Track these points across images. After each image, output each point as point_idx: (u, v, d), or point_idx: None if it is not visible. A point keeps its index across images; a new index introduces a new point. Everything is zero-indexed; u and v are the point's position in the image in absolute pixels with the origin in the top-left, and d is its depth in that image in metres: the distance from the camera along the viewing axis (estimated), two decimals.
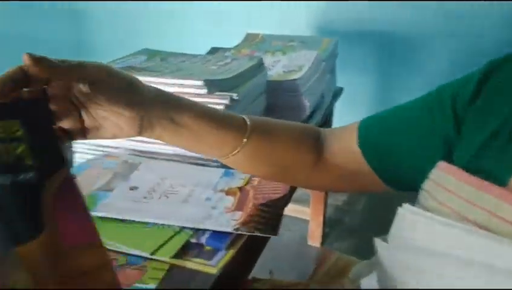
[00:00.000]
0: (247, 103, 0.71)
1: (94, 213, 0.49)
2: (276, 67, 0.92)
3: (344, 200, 1.75)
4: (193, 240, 0.46)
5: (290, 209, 1.56)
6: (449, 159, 0.40)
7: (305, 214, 1.52)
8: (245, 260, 0.54)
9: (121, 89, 0.39)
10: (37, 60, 0.35)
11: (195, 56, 0.83)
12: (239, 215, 0.49)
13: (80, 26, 2.13)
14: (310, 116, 0.89)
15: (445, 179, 0.37)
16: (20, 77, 0.35)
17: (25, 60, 0.35)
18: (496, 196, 0.32)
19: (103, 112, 0.39)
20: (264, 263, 1.44)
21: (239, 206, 0.51)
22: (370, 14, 1.58)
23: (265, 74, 0.79)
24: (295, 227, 1.57)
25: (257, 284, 0.69)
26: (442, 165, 0.38)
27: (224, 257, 0.44)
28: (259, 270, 0.85)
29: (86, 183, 0.56)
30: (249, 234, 0.46)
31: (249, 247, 0.48)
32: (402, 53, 1.59)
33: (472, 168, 0.36)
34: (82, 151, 0.70)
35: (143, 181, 0.57)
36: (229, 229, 0.46)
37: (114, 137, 0.42)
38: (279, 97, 0.81)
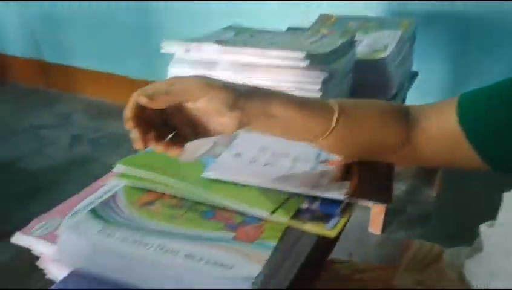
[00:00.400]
0: (338, 80, 0.71)
1: (206, 175, 0.51)
2: (360, 46, 0.91)
3: (405, 190, 1.71)
4: (304, 206, 0.47)
5: None
6: None
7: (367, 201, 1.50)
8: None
9: (221, 99, 0.43)
10: (152, 99, 0.42)
11: (283, 33, 0.83)
12: (347, 185, 0.49)
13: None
14: (393, 98, 0.87)
15: None
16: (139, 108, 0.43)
17: (141, 102, 0.43)
18: None
19: (208, 121, 0.45)
20: None
21: (345, 176, 0.51)
22: None
23: (354, 52, 0.78)
24: (356, 213, 1.55)
25: (338, 266, 0.70)
26: None
27: (339, 223, 0.44)
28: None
29: (189, 152, 0.59)
30: (361, 203, 0.46)
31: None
32: (480, 37, 1.51)
33: None
34: None
35: (244, 149, 0.58)
36: (341, 197, 0.47)
37: (216, 135, 0.47)
38: (365, 76, 0.81)
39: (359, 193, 0.47)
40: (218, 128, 0.46)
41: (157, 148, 0.45)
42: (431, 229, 1.51)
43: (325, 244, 0.55)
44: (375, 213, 1.48)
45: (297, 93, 0.64)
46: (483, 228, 0.45)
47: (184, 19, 2.11)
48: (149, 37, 2.28)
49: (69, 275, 0.43)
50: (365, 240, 1.47)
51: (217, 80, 0.45)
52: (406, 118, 0.51)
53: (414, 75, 1.18)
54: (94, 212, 0.47)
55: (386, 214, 1.49)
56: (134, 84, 2.48)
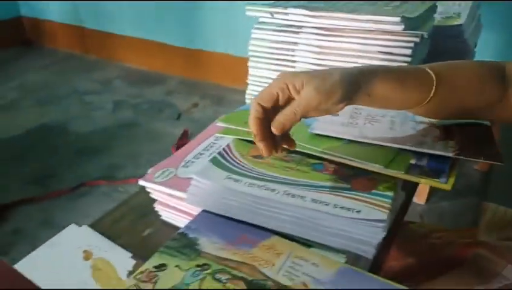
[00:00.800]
0: (422, 45, 0.72)
1: (314, 131, 0.54)
2: None
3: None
4: (413, 162, 0.50)
5: None
6: None
7: (477, 159, 1.51)
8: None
9: (336, 102, 0.44)
10: (281, 128, 0.44)
11: (357, 1, 0.84)
12: (453, 143, 0.51)
13: None
14: None
15: None
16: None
17: (274, 132, 0.44)
18: None
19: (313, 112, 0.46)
20: None
21: (447, 136, 0.53)
22: None
23: (433, 19, 0.79)
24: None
25: (412, 225, 0.73)
26: None
27: (451, 177, 0.47)
28: None
29: None
30: (473, 159, 0.49)
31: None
32: None
33: None
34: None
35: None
36: (450, 154, 0.49)
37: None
38: (442, 42, 0.81)
39: (466, 151, 0.50)
40: (323, 113, 0.47)
41: (278, 153, 0.46)
42: (474, 200, 1.53)
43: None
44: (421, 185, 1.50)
45: (387, 57, 0.66)
46: None
47: None
48: (188, 4, 2.28)
49: (199, 214, 0.47)
50: (411, 209, 1.50)
51: (325, 78, 0.44)
52: (502, 75, 0.52)
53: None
54: (216, 162, 0.51)
55: (430, 187, 1.51)
56: (172, 52, 2.55)
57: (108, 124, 2.05)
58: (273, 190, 0.46)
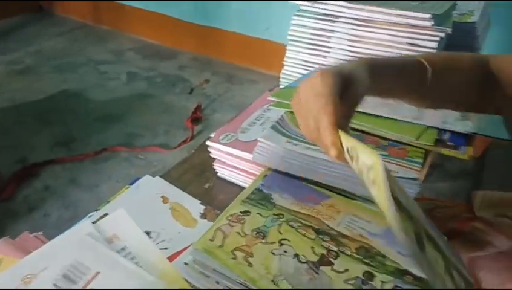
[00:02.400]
0: (443, 40, 0.82)
1: None
2: None
3: None
4: (437, 137, 0.61)
5: None
6: None
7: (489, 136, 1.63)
8: None
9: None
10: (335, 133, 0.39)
11: None
12: (470, 123, 0.63)
13: None
14: None
15: None
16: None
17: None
18: None
19: None
20: None
21: (467, 116, 0.65)
22: None
23: (452, 16, 0.89)
24: None
25: (418, 203, 0.83)
26: None
27: (468, 150, 0.59)
28: None
29: None
30: (486, 135, 0.60)
31: None
32: None
33: None
34: None
35: None
36: (468, 131, 0.60)
37: None
38: (455, 37, 0.91)
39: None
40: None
41: None
42: (469, 182, 1.67)
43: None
44: None
45: (414, 48, 0.76)
46: None
47: None
48: None
49: (269, 175, 0.58)
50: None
51: (341, 79, 0.42)
52: (486, 66, 0.58)
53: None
54: (276, 129, 0.62)
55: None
56: (185, 28, 2.62)
57: (124, 94, 2.13)
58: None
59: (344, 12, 0.81)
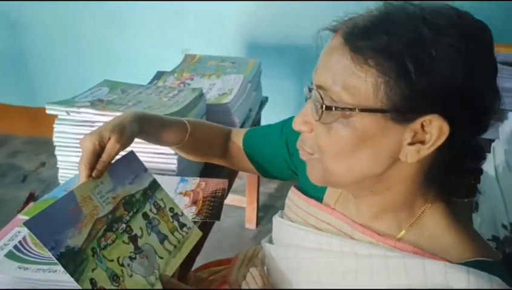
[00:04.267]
0: None
1: None
2: (213, 90, 1.18)
3: (275, 188, 2.05)
4: None
5: (229, 199, 1.83)
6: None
7: (242, 202, 1.80)
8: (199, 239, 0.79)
9: (127, 145, 0.63)
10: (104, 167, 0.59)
11: (148, 87, 1.06)
12: (194, 209, 0.74)
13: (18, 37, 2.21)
14: (241, 126, 1.16)
15: (294, 198, 0.65)
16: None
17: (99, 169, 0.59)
18: (317, 207, 0.61)
19: None
20: (212, 244, 1.71)
21: (193, 203, 0.76)
22: (288, 31, 1.87)
23: (204, 101, 1.04)
24: (234, 214, 1.85)
25: (200, 273, 0.93)
26: (293, 189, 0.67)
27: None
28: (210, 249, 1.09)
29: None
30: (201, 220, 0.72)
31: (200, 229, 0.74)
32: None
33: (305, 191, 0.64)
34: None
35: None
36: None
37: None
38: (215, 115, 1.07)
39: (200, 214, 0.73)
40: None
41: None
42: None
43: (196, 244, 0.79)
44: (249, 211, 1.79)
45: None
46: (263, 242, 0.70)
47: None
48: (26, 65, 2.29)
49: None
50: (243, 235, 1.77)
51: (121, 132, 0.61)
52: (228, 136, 0.82)
53: (265, 100, 1.50)
54: (10, 254, 0.65)
55: (258, 210, 1.80)
56: (8, 111, 2.52)
57: None
58: (54, 271, 0.62)
59: (98, 118, 0.89)
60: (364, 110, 0.44)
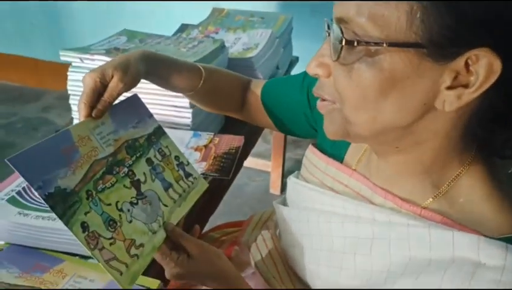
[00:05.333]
0: None
1: None
2: (237, 44, 1.10)
3: (301, 153, 1.98)
4: None
5: (255, 163, 1.79)
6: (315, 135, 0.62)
7: (268, 167, 1.75)
8: (211, 198, 0.75)
9: (132, 85, 0.57)
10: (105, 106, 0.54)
11: (168, 37, 1.00)
12: (205, 165, 0.69)
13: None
14: None
15: (311, 157, 0.58)
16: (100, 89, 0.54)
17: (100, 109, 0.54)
18: (336, 167, 0.54)
19: None
20: (234, 208, 1.69)
21: (204, 159, 0.71)
22: None
23: (226, 54, 0.97)
24: (259, 178, 1.81)
25: (213, 233, 0.90)
26: (310, 146, 0.60)
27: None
28: (232, 214, 1.05)
29: None
30: (210, 175, 0.67)
31: (214, 189, 0.69)
32: None
33: (324, 149, 0.57)
34: None
35: None
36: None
37: None
38: (238, 70, 1.00)
39: (210, 170, 0.68)
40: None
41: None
42: None
43: (210, 201, 0.75)
44: (274, 176, 1.74)
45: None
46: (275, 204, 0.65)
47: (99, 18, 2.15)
48: (55, 21, 2.28)
49: (5, 249, 0.59)
50: (267, 200, 1.73)
51: (126, 69, 0.55)
52: (247, 87, 0.75)
53: (295, 60, 1.41)
54: (12, 200, 0.63)
55: (283, 176, 1.75)
56: (40, 66, 2.54)
57: None
58: (54, 219, 0.59)
59: None
60: (394, 44, 0.36)
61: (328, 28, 0.42)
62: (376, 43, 0.37)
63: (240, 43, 1.10)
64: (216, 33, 1.18)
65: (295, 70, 1.38)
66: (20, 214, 0.60)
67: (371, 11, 0.37)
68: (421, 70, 0.37)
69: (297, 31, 1.39)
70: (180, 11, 1.96)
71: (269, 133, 1.79)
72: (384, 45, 0.36)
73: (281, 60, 1.22)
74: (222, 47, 0.94)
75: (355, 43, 0.38)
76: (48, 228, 0.58)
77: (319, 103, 0.47)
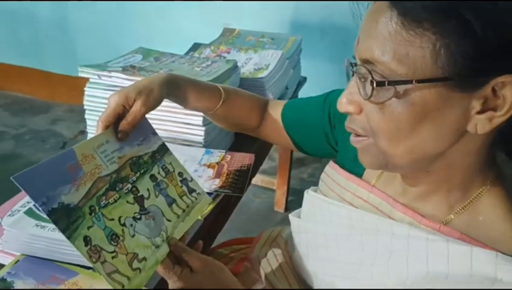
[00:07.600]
0: None
1: None
2: (249, 64, 1.13)
3: (307, 172, 2.00)
4: None
5: (260, 180, 1.80)
6: (334, 154, 0.63)
7: (273, 185, 1.76)
8: (221, 215, 0.76)
9: (153, 108, 0.61)
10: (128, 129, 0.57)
11: (182, 56, 1.03)
12: (218, 182, 0.71)
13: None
14: None
15: (331, 173, 0.60)
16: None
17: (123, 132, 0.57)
18: (357, 184, 0.55)
19: None
20: (238, 225, 1.69)
21: (217, 176, 0.73)
22: (330, 9, 1.78)
23: (238, 73, 1.00)
24: (264, 195, 1.82)
25: (221, 250, 0.91)
26: (331, 163, 0.61)
27: (208, 208, 0.66)
28: (236, 230, 1.06)
29: None
30: (224, 192, 0.68)
31: (224, 206, 0.71)
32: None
33: (344, 166, 0.59)
34: None
35: None
36: (211, 191, 0.68)
37: None
38: (249, 90, 1.02)
39: (223, 187, 0.69)
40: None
41: None
42: None
43: (219, 218, 0.76)
44: (279, 194, 1.74)
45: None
46: (291, 217, 0.67)
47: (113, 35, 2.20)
48: (66, 34, 2.33)
49: (19, 261, 0.60)
50: (271, 218, 1.74)
51: (149, 94, 0.59)
52: (264, 107, 0.77)
53: (303, 80, 1.43)
54: (30, 212, 0.64)
55: (288, 194, 1.76)
56: (53, 79, 2.57)
57: None
58: None
59: (128, 83, 0.87)
60: (422, 81, 0.38)
61: (351, 65, 0.44)
62: (405, 82, 0.39)
63: (251, 63, 1.13)
64: (228, 53, 1.21)
65: (303, 90, 1.41)
66: (37, 226, 0.62)
67: (395, 51, 0.39)
68: (451, 100, 0.39)
69: (305, 52, 1.42)
70: (190, 30, 2.01)
71: (275, 150, 1.80)
72: (413, 82, 0.38)
73: (290, 80, 1.25)
74: (234, 67, 0.97)
75: (386, 84, 0.39)
76: (64, 240, 0.59)
77: (352, 138, 0.48)
